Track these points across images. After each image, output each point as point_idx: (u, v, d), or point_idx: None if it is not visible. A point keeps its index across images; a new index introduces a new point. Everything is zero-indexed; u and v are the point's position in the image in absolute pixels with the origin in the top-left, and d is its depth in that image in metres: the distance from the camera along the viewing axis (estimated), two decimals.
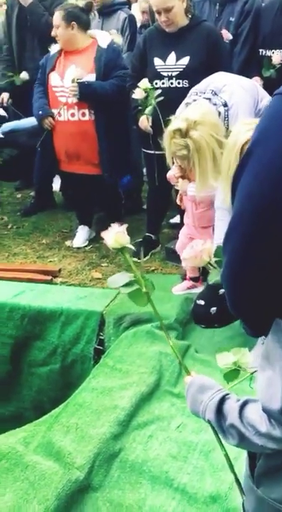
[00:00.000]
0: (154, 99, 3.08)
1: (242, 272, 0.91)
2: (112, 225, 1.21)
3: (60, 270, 3.46)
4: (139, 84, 3.10)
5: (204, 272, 2.67)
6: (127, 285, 1.23)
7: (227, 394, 1.08)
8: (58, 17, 3.41)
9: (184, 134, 2.33)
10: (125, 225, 1.25)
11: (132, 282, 1.23)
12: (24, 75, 4.13)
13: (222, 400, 1.06)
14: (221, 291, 1.38)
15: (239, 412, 1.02)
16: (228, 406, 1.05)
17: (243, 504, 1.16)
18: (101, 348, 2.76)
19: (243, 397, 1.05)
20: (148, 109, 3.12)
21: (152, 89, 3.08)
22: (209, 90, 2.62)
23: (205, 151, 2.31)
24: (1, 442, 1.89)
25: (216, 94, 2.59)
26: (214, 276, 1.35)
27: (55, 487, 1.67)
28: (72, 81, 3.34)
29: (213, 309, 2.36)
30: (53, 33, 3.44)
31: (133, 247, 1.26)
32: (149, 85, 3.09)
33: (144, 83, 3.09)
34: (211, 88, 2.61)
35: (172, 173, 2.74)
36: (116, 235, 1.22)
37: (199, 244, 1.37)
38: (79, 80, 3.33)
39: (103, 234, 1.22)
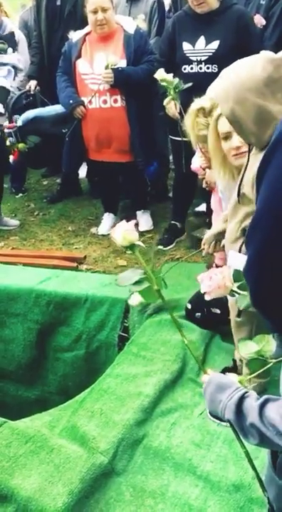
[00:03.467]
0: (181, 83, 2.99)
1: (267, 264, 0.89)
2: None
3: (85, 257, 3.48)
4: (156, 75, 3.03)
5: None
6: (138, 282, 1.22)
7: (246, 392, 1.06)
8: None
9: (207, 113, 2.27)
10: (134, 221, 1.23)
11: (143, 279, 1.21)
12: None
13: (241, 399, 1.05)
14: (207, 297, 1.37)
15: (259, 412, 1.00)
16: (248, 405, 1.03)
17: (267, 495, 1.15)
18: (125, 335, 2.77)
19: (263, 395, 1.03)
20: (173, 94, 3.05)
21: (171, 81, 3.00)
22: None
23: None
24: (27, 425, 1.93)
25: None
26: (243, 302, 1.31)
27: (80, 470, 1.69)
28: (106, 67, 3.31)
29: (198, 315, 2.45)
30: (99, 17, 3.30)
31: (142, 244, 1.24)
32: (166, 76, 2.99)
33: (161, 74, 3.00)
34: None
35: (198, 165, 2.67)
36: (124, 232, 1.19)
37: (218, 273, 1.32)
38: (113, 66, 3.30)
39: (112, 232, 1.21)
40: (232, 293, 1.33)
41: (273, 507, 1.11)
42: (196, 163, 2.71)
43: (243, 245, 1.72)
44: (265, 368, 1.19)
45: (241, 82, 1.49)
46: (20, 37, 4.46)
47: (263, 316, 0.99)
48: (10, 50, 3.80)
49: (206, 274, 1.36)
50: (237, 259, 1.70)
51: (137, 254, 1.22)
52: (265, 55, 1.56)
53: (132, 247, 1.21)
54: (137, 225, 3.41)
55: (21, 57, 4.22)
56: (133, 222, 1.22)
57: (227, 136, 1.96)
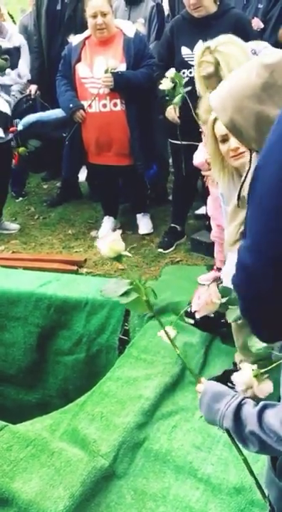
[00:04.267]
0: (182, 87, 3.03)
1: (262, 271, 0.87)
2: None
3: (85, 260, 3.48)
4: (166, 74, 3.06)
5: None
6: (125, 293, 1.16)
7: (243, 399, 1.06)
8: (105, 4, 3.30)
9: (213, 50, 2.31)
10: (119, 231, 1.21)
11: (130, 290, 1.16)
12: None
13: (239, 407, 1.04)
14: (197, 315, 1.37)
15: (258, 419, 1.00)
16: (246, 412, 1.03)
17: (268, 497, 1.16)
18: (126, 338, 2.78)
19: (260, 402, 1.03)
20: (177, 98, 3.08)
21: (180, 78, 3.04)
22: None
23: (235, 67, 2.27)
24: (27, 429, 1.93)
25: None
26: (232, 315, 1.29)
27: (81, 474, 1.69)
28: (106, 71, 3.32)
29: (198, 317, 2.43)
30: (99, 21, 3.31)
31: (129, 255, 1.22)
32: (175, 72, 3.05)
33: (172, 72, 3.05)
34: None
35: (203, 160, 2.65)
36: (111, 243, 1.16)
37: (204, 290, 1.31)
38: (113, 70, 3.32)
39: (98, 242, 1.18)
40: (222, 308, 1.32)
41: (274, 509, 1.11)
42: (200, 157, 2.69)
43: None
44: (274, 366, 1.18)
45: (238, 90, 1.50)
46: (21, 41, 4.48)
47: (252, 326, 0.96)
48: (8, 70, 3.76)
49: (196, 293, 1.34)
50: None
51: (123, 262, 1.19)
52: (259, 61, 1.57)
53: (119, 257, 1.18)
54: (118, 230, 3.44)
55: (22, 69, 4.23)
56: (119, 231, 1.20)
57: (225, 139, 1.98)
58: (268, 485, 1.11)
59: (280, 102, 0.87)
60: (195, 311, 1.34)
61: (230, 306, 1.30)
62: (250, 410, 1.03)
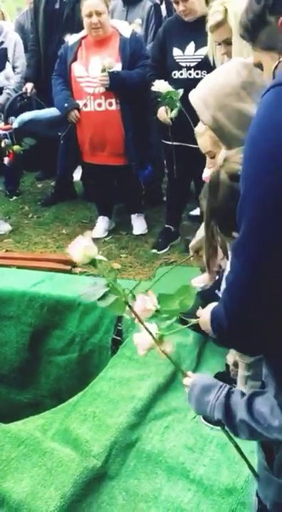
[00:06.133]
0: (179, 101, 3.04)
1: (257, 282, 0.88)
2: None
3: None
4: (159, 88, 3.05)
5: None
6: (103, 296, 1.14)
7: (230, 388, 1.09)
8: (100, 3, 3.30)
9: (223, 1, 2.30)
10: (90, 233, 1.18)
11: (107, 293, 1.14)
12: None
13: (227, 396, 1.07)
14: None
15: (248, 407, 1.02)
16: (235, 401, 1.06)
17: (256, 493, 1.17)
18: (119, 338, 2.77)
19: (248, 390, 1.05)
20: (174, 112, 3.08)
21: (176, 94, 3.04)
22: None
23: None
24: (19, 428, 1.92)
25: None
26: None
27: (72, 474, 1.69)
28: (103, 70, 3.32)
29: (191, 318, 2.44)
30: (94, 21, 3.31)
31: (104, 258, 1.20)
32: (170, 88, 3.04)
33: (165, 87, 3.04)
34: None
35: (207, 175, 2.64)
36: (84, 248, 1.13)
37: (140, 298, 1.23)
38: (109, 70, 3.31)
39: (69, 249, 1.14)
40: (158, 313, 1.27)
41: (266, 506, 1.12)
42: (207, 171, 2.70)
43: None
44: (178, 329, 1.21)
45: (219, 88, 1.52)
46: (17, 40, 4.47)
47: (236, 340, 0.98)
48: None
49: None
50: None
51: (100, 269, 1.16)
52: (239, 60, 1.59)
53: (93, 262, 1.15)
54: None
55: (19, 66, 4.21)
56: (89, 234, 1.16)
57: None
58: (264, 486, 1.11)
59: (258, 100, 0.89)
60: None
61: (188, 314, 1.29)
62: (239, 399, 1.05)
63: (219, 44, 2.39)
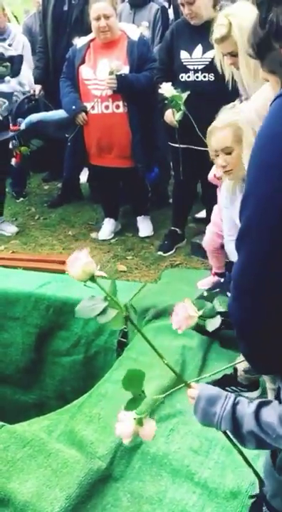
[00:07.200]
0: (183, 104, 3.05)
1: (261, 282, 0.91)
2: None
3: None
4: (164, 92, 3.07)
5: (228, 267, 2.65)
6: (102, 312, 1.10)
7: (235, 399, 1.09)
8: (108, 6, 3.32)
9: (227, 14, 2.34)
10: (87, 250, 1.13)
11: (106, 308, 1.10)
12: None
13: (234, 407, 1.07)
14: (180, 332, 1.35)
15: (255, 418, 1.02)
16: (241, 411, 1.05)
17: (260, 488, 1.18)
18: (124, 340, 2.77)
19: (254, 400, 1.05)
20: (178, 115, 3.10)
21: (180, 98, 3.05)
22: None
23: (247, 30, 2.29)
24: (24, 429, 1.92)
25: None
26: (212, 326, 1.25)
27: (77, 475, 1.69)
28: (111, 73, 3.33)
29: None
30: (102, 24, 3.33)
31: (104, 274, 1.15)
32: (174, 92, 3.05)
33: (170, 91, 3.05)
34: None
35: (211, 176, 2.64)
36: (83, 265, 1.08)
37: (181, 307, 1.25)
38: (117, 73, 3.33)
39: (68, 265, 1.08)
40: (201, 320, 1.27)
41: (265, 495, 1.13)
42: (212, 172, 2.71)
43: None
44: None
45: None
46: (25, 42, 4.49)
47: (248, 353, 0.98)
48: (8, 78, 3.75)
49: (175, 311, 1.28)
50: None
51: (99, 285, 1.12)
52: None
53: (92, 279, 1.11)
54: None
55: (26, 75, 4.21)
56: (86, 250, 1.11)
57: (217, 154, 2.04)
58: (266, 475, 1.13)
59: None
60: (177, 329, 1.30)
61: (206, 319, 1.26)
62: (245, 410, 1.05)
63: (225, 55, 2.41)
